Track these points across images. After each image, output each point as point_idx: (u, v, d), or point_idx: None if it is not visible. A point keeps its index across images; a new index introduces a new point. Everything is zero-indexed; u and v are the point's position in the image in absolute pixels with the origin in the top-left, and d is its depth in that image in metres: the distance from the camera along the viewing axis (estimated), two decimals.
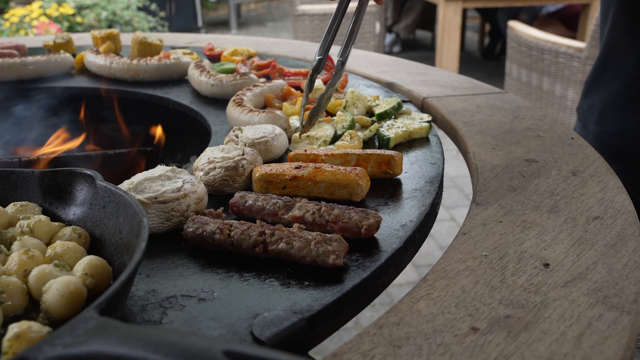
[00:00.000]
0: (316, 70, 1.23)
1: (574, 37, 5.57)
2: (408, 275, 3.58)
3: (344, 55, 1.23)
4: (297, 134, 1.27)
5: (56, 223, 0.87)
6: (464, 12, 7.57)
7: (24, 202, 0.91)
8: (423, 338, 0.68)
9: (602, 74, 1.67)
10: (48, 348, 0.51)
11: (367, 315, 3.18)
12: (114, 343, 0.50)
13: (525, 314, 0.72)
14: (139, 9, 8.06)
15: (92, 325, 0.53)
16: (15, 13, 6.78)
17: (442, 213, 4.24)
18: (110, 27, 7.14)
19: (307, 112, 1.25)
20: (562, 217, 0.96)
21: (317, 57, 1.24)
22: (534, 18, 6.55)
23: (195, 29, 10.26)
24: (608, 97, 1.63)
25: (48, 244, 0.84)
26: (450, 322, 0.71)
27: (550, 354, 0.65)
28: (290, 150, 1.21)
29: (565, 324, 0.70)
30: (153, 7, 8.33)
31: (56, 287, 0.70)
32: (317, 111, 1.22)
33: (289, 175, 1.01)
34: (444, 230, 4.02)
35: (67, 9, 6.99)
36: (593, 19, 4.03)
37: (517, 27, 4.60)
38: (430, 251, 3.79)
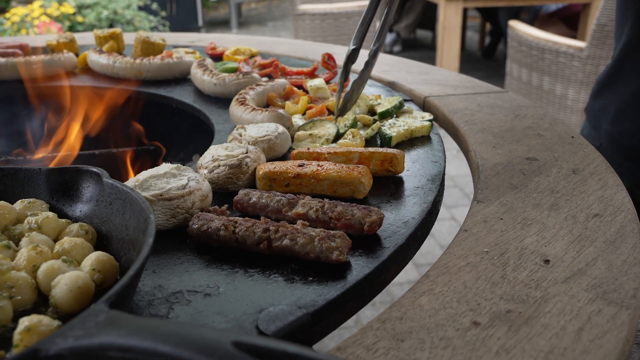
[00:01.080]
0: (351, 60, 1.27)
1: (575, 37, 5.58)
2: (409, 274, 3.59)
3: (377, 43, 1.26)
4: (299, 132, 1.28)
5: (63, 220, 0.89)
6: (465, 11, 7.58)
7: (31, 199, 0.92)
8: (425, 332, 0.69)
9: (619, 73, 1.64)
10: (60, 340, 0.52)
11: (368, 314, 3.20)
12: (125, 335, 0.51)
13: (526, 308, 0.73)
14: (140, 8, 8.07)
15: (102, 318, 0.54)
16: (17, 12, 6.79)
17: (442, 212, 4.25)
18: (111, 26, 7.15)
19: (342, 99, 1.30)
20: (562, 214, 0.97)
21: (352, 47, 1.27)
22: (535, 17, 6.56)
23: (195, 29, 10.27)
24: (624, 96, 1.61)
25: (55, 240, 0.85)
26: (452, 316, 0.72)
27: (550, 348, 0.66)
28: (293, 149, 1.23)
29: (565, 319, 0.71)
30: (154, 6, 8.34)
31: (65, 282, 0.71)
32: (351, 96, 1.24)
33: (293, 173, 1.02)
34: (444, 230, 4.04)
35: (68, 8, 7.01)
36: (594, 19, 4.04)
37: (518, 27, 4.61)
38: (430, 250, 3.80)
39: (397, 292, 3.45)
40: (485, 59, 8.22)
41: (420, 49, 8.86)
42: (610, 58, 1.71)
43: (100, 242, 0.87)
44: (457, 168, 4.67)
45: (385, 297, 3.41)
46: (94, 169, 0.91)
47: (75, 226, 0.86)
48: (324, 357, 0.46)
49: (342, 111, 1.25)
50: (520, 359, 0.65)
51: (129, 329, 0.52)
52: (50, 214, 0.87)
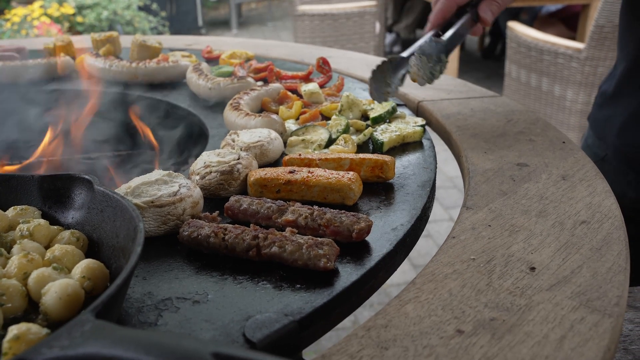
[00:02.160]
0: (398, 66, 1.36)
1: (574, 38, 5.59)
2: (406, 275, 3.60)
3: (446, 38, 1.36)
4: (292, 138, 1.29)
5: (55, 227, 0.90)
6: None
7: (23, 206, 0.93)
8: (410, 340, 0.70)
9: (625, 86, 1.60)
10: (46, 350, 0.53)
11: (366, 315, 3.21)
12: (109, 345, 0.52)
13: (510, 316, 0.74)
14: (140, 8, 8.08)
15: (88, 328, 0.55)
16: (17, 13, 6.81)
17: (440, 213, 4.26)
18: (111, 27, 7.16)
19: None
20: (550, 221, 0.98)
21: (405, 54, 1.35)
22: (534, 18, 6.56)
23: (195, 29, 10.28)
24: (631, 109, 1.57)
25: (47, 247, 0.86)
26: (437, 324, 0.73)
27: (532, 356, 0.67)
28: (286, 154, 1.23)
29: (548, 327, 0.72)
30: (154, 6, 8.35)
31: (55, 290, 0.72)
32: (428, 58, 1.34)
33: (283, 180, 1.03)
34: (442, 231, 4.04)
35: (68, 9, 7.03)
36: (592, 20, 4.05)
37: (517, 28, 4.62)
38: (429, 251, 3.81)
39: (395, 294, 3.46)
40: (485, 59, 8.22)
41: None
42: (613, 61, 1.66)
43: (91, 249, 0.88)
44: (456, 169, 4.67)
45: (384, 298, 3.42)
46: (86, 176, 0.92)
47: (66, 233, 0.87)
48: None
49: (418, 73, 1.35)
50: None
51: (113, 339, 0.53)
52: (42, 221, 0.88)
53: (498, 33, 7.89)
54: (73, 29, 6.90)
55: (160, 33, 7.83)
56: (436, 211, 4.26)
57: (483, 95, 1.67)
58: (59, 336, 0.55)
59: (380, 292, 3.77)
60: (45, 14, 6.86)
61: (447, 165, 4.73)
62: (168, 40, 2.58)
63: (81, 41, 2.49)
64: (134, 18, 7.44)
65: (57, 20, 6.85)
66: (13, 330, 0.63)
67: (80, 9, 7.16)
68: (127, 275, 0.66)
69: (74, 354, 0.52)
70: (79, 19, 7.03)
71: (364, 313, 3.24)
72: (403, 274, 3.58)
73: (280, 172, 1.05)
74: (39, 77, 1.86)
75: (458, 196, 4.52)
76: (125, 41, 2.38)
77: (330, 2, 6.52)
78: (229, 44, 2.41)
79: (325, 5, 6.17)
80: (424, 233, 1.05)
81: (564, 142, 1.31)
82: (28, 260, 0.79)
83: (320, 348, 2.76)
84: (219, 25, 11.57)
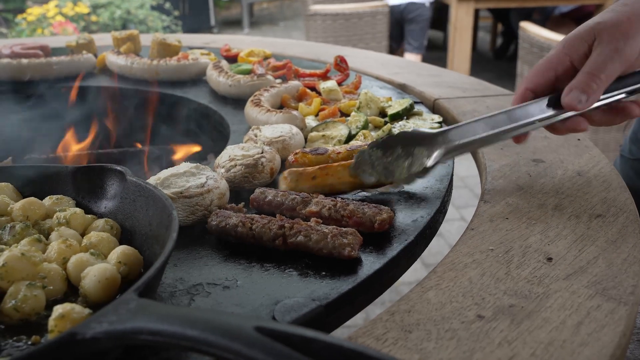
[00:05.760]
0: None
1: None
2: (418, 273, 3.62)
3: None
4: (312, 133, 1.32)
5: (89, 215, 0.94)
6: (476, 12, 7.59)
7: (59, 196, 0.97)
8: (432, 324, 0.73)
9: None
10: (95, 325, 0.57)
11: (377, 312, 3.23)
12: (155, 320, 0.56)
13: (528, 303, 0.77)
14: (153, 7, 8.16)
15: (133, 306, 0.59)
16: (33, 12, 6.90)
17: (452, 212, 4.28)
18: (124, 26, 7.24)
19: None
20: (566, 214, 1.00)
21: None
22: (547, 19, 6.55)
23: (207, 28, 10.35)
24: None
25: (82, 234, 0.90)
26: (458, 310, 0.76)
27: (550, 340, 0.70)
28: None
29: (565, 313, 0.75)
30: (167, 5, 8.42)
31: (94, 274, 0.76)
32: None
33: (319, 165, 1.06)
34: (453, 230, 4.06)
35: (83, 8, 7.11)
36: None
37: (529, 28, 4.62)
38: (440, 250, 3.83)
39: (406, 292, 3.48)
40: (497, 59, 8.21)
41: (432, 49, 8.85)
42: None
43: (124, 236, 0.92)
44: (467, 169, 4.68)
45: (395, 296, 3.45)
46: (119, 168, 0.96)
47: (100, 221, 0.91)
48: (337, 342, 0.50)
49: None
50: (521, 350, 0.68)
51: (158, 315, 0.56)
52: (78, 210, 0.92)
53: (510, 33, 7.88)
54: (87, 28, 6.99)
55: (173, 32, 7.90)
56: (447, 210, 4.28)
57: (498, 94, 1.70)
58: (106, 313, 0.59)
59: (391, 290, 3.81)
60: (60, 13, 6.95)
61: (458, 165, 4.72)
62: (185, 38, 2.62)
63: (101, 39, 2.54)
64: (147, 17, 7.51)
65: (72, 19, 6.93)
66: (58, 309, 0.67)
67: (94, 8, 7.24)
68: (165, 259, 0.70)
69: (122, 328, 0.56)
70: (93, 18, 7.11)
71: (376, 311, 3.26)
72: (414, 272, 3.60)
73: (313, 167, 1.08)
74: (62, 74, 1.91)
75: (469, 196, 4.54)
76: (145, 40, 2.42)
77: (343, 1, 6.55)
78: (245, 43, 2.45)
79: (338, 5, 6.20)
80: None
81: (578, 140, 1.33)
82: (67, 246, 0.83)
83: None
84: (231, 24, 11.63)
